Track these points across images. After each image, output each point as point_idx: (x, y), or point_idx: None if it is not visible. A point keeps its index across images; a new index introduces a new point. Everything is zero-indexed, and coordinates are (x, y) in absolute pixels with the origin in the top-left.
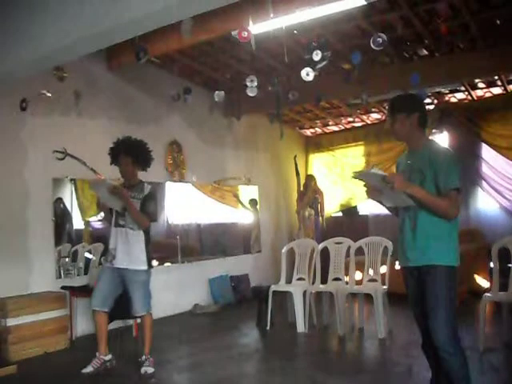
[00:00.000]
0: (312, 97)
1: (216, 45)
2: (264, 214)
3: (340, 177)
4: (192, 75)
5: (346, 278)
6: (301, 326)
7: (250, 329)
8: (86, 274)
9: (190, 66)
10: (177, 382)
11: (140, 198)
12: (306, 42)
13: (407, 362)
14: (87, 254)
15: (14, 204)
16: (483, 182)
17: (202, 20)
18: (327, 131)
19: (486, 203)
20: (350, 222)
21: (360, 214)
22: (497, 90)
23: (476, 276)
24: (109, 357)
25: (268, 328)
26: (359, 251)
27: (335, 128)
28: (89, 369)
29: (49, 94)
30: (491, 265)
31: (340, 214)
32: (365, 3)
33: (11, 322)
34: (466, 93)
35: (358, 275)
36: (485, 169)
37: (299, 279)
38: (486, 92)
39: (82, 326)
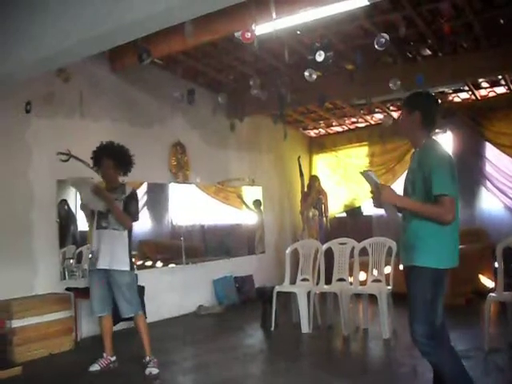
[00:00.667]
0: (315, 97)
1: (219, 46)
2: (268, 215)
3: (344, 177)
4: (195, 76)
5: (350, 279)
6: (305, 327)
7: (254, 330)
8: None
9: (193, 67)
10: (181, 383)
11: (122, 198)
12: (309, 43)
13: (412, 362)
14: None
15: (19, 205)
16: (487, 182)
17: (205, 21)
18: (331, 132)
19: (490, 203)
20: (354, 223)
21: (364, 214)
22: (500, 90)
23: (481, 276)
24: (114, 358)
25: (272, 329)
26: (363, 252)
27: (339, 129)
28: (95, 367)
29: (54, 96)
30: (496, 265)
31: (344, 214)
32: (367, 3)
33: (16, 323)
34: (470, 92)
35: (362, 276)
36: (489, 168)
37: (303, 280)
38: (489, 91)
39: (86, 328)
